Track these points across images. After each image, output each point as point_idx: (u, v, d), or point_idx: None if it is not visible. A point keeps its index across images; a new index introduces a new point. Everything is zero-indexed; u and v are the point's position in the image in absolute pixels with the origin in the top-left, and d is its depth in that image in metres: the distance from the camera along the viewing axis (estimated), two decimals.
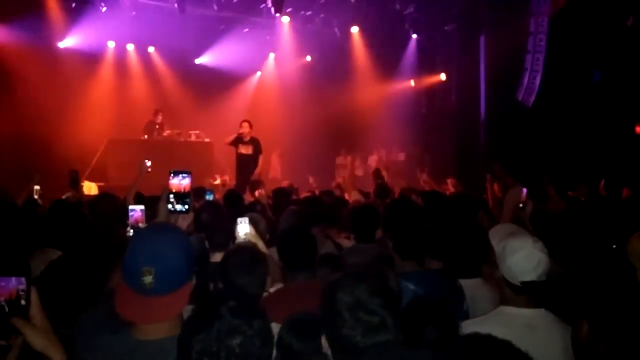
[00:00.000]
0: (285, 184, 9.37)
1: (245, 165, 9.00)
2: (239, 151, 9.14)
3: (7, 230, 3.87)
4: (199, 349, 1.32)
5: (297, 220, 3.89)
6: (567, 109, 9.84)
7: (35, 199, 5.46)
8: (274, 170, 12.52)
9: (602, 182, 6.66)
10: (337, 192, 6.88)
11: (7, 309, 1.40)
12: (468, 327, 2.10)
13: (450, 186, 7.51)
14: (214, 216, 3.44)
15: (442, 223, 3.28)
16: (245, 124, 9.12)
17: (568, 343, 1.97)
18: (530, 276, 2.11)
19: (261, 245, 3.10)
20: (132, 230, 2.43)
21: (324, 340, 1.59)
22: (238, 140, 9.09)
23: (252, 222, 3.15)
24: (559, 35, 10.22)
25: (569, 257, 2.87)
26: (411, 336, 1.96)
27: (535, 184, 6.14)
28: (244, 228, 3.03)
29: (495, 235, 2.28)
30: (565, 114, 9.89)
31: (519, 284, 2.13)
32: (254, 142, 9.14)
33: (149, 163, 4.98)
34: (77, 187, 6.00)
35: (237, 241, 3.01)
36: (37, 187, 5.56)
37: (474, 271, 2.83)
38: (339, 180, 11.50)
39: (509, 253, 2.16)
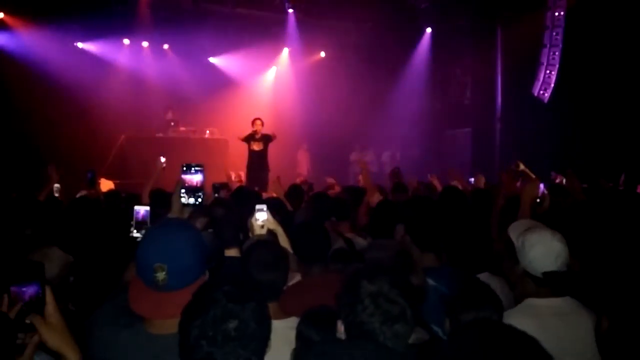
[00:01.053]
0: (299, 180, 9.42)
1: (257, 162, 9.30)
2: (251, 148, 9.40)
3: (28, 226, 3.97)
4: (197, 334, 1.36)
5: (308, 215, 3.90)
6: (584, 103, 9.75)
7: (56, 197, 5.55)
8: (300, 166, 12.51)
9: (622, 177, 6.61)
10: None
11: (25, 309, 1.46)
12: None
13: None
14: (226, 212, 3.50)
15: (460, 217, 3.36)
16: (258, 121, 9.35)
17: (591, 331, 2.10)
18: (551, 267, 2.17)
19: (280, 232, 3.08)
20: (135, 230, 2.43)
21: (339, 325, 1.61)
22: (250, 137, 9.34)
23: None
24: (575, 29, 10.11)
25: (586, 251, 2.87)
26: (459, 315, 1.97)
27: (553, 179, 6.11)
28: (262, 215, 3.00)
29: (514, 231, 2.34)
30: (582, 108, 9.79)
31: (540, 276, 2.18)
32: (265, 139, 9.36)
33: (163, 160, 5.07)
34: (95, 186, 6.12)
35: (255, 227, 2.98)
36: (57, 185, 5.64)
37: (481, 265, 2.80)
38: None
39: (528, 247, 2.22)
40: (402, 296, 1.54)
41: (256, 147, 9.37)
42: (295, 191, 5.58)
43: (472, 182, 7.21)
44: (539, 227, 2.33)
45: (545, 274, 2.17)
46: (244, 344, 1.37)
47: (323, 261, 2.83)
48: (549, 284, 2.19)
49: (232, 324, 1.36)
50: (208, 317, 1.37)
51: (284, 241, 3.01)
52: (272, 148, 10.06)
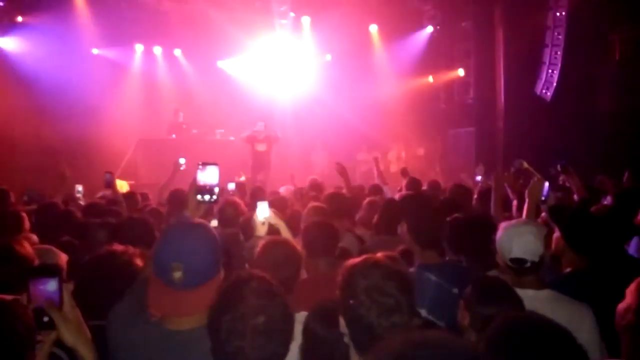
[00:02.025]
0: (308, 181, 9.61)
1: (260, 163, 9.47)
2: (254, 149, 9.59)
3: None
4: (227, 328, 1.42)
5: (317, 214, 3.92)
6: (586, 102, 9.88)
7: (79, 197, 5.64)
8: (315, 167, 12.59)
9: (626, 174, 6.65)
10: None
11: (43, 307, 1.48)
12: None
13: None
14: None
15: (464, 216, 3.34)
16: (262, 123, 9.56)
17: (572, 323, 2.07)
18: (516, 253, 2.31)
19: (283, 226, 3.09)
20: None
21: (341, 321, 1.62)
22: (253, 139, 9.55)
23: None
24: (577, 28, 10.24)
25: (592, 248, 2.86)
26: (479, 309, 1.98)
27: (556, 176, 6.17)
28: (263, 212, 3.01)
29: (502, 225, 2.51)
30: (585, 106, 9.92)
31: (509, 263, 2.34)
32: (269, 140, 9.59)
33: (183, 161, 5.27)
34: (113, 187, 6.34)
35: (256, 224, 3.00)
36: (79, 186, 5.71)
37: (489, 263, 2.76)
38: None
39: (500, 234, 2.41)
40: (396, 288, 1.54)
41: (260, 148, 9.57)
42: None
43: (479, 180, 7.33)
44: (516, 219, 2.53)
45: (512, 260, 2.32)
46: (272, 338, 1.43)
47: (331, 255, 2.92)
48: (515, 271, 2.32)
49: (261, 319, 1.42)
50: (237, 313, 1.42)
51: (286, 234, 3.03)
52: (284, 150, 10.24)
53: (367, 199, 4.91)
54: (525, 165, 5.64)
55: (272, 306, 1.46)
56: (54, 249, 3.10)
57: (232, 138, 11.56)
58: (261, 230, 3.00)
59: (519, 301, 2.01)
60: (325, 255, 2.90)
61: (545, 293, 2.31)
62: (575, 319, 2.15)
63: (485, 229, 3.00)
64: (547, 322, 1.41)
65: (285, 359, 1.52)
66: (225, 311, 1.44)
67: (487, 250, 2.81)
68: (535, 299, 2.21)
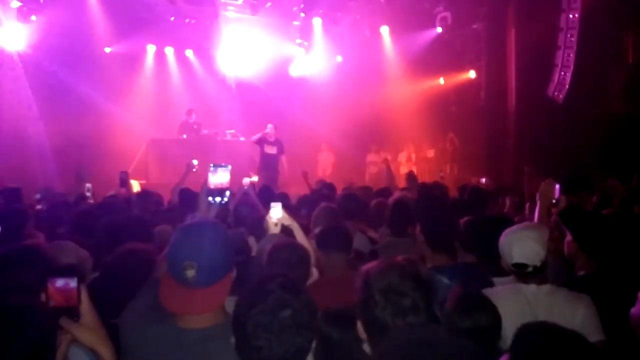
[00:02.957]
0: (315, 181, 9.66)
1: (270, 165, 9.58)
2: (264, 151, 9.69)
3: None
4: (254, 322, 1.44)
5: (328, 215, 3.94)
6: (599, 104, 9.80)
7: (87, 196, 5.77)
8: (322, 169, 12.68)
9: (635, 178, 6.64)
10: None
11: (63, 307, 1.50)
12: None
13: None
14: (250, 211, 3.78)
15: (479, 218, 3.32)
16: (271, 126, 9.66)
17: (567, 309, 2.25)
18: (517, 259, 2.36)
19: (296, 227, 3.10)
20: None
21: (359, 326, 1.62)
22: (263, 141, 9.65)
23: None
24: (589, 31, 10.18)
25: (602, 252, 2.86)
26: (457, 323, 2.03)
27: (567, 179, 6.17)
28: (277, 212, 3.03)
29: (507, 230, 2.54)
30: (597, 109, 9.84)
31: (512, 267, 2.39)
32: (279, 143, 9.68)
33: (195, 162, 5.30)
34: (127, 186, 6.43)
35: (269, 225, 3.03)
36: (88, 185, 5.82)
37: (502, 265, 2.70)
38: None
39: (502, 239, 2.45)
40: (413, 288, 1.54)
41: (269, 150, 9.68)
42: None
43: (484, 182, 7.38)
44: (520, 224, 2.56)
45: (514, 265, 2.38)
46: (298, 332, 1.45)
47: (344, 251, 2.96)
48: (520, 275, 2.39)
49: (288, 312, 1.45)
50: (266, 306, 1.45)
51: (299, 236, 3.05)
52: (293, 150, 10.28)
53: (375, 201, 4.93)
54: (530, 170, 5.61)
55: (298, 300, 1.48)
56: (75, 244, 3.13)
57: (242, 139, 11.62)
58: (274, 231, 3.02)
59: (496, 314, 2.07)
60: (340, 252, 2.93)
61: (546, 288, 2.38)
62: (570, 305, 2.31)
63: (498, 231, 2.93)
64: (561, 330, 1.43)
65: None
66: (253, 304, 1.46)
67: (498, 253, 2.71)
68: (537, 293, 2.35)
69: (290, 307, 1.46)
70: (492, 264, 2.77)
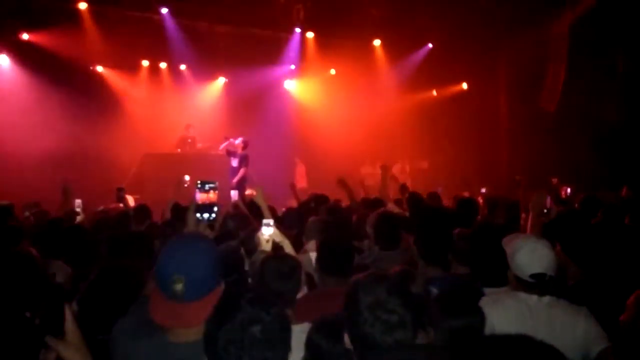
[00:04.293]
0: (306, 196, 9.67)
1: (233, 177, 9.84)
2: (231, 164, 10.10)
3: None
4: (225, 339, 1.43)
5: (321, 230, 3.94)
6: (590, 114, 9.87)
7: (78, 212, 5.63)
8: (299, 181, 12.68)
9: (624, 189, 6.69)
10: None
11: (45, 325, 1.51)
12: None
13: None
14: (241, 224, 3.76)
15: (471, 229, 3.31)
16: (240, 142, 10.11)
17: (567, 322, 2.23)
18: (537, 269, 2.32)
19: (287, 244, 3.15)
20: None
21: (346, 338, 1.62)
22: (230, 154, 10.10)
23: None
24: (580, 41, 10.28)
25: (590, 261, 2.92)
26: (447, 324, 2.02)
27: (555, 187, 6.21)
28: (268, 230, 3.07)
29: (506, 241, 2.53)
30: (588, 119, 9.91)
31: (528, 279, 2.34)
32: (242, 157, 10.06)
33: (187, 178, 5.29)
34: (124, 201, 6.40)
35: (261, 241, 3.06)
36: (78, 201, 5.71)
37: (500, 279, 2.65)
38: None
39: (515, 250, 2.40)
40: (401, 304, 1.54)
41: (233, 163, 10.07)
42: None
43: (484, 192, 7.34)
44: (525, 235, 2.55)
45: (532, 276, 2.32)
46: (269, 346, 1.45)
47: (343, 276, 2.83)
48: (537, 287, 2.34)
49: (258, 327, 1.44)
50: (235, 323, 1.44)
51: (290, 252, 3.05)
52: (283, 162, 10.26)
53: (356, 215, 4.93)
54: (518, 178, 5.64)
55: (269, 314, 1.47)
56: (62, 263, 3.15)
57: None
58: (266, 247, 3.05)
59: (481, 314, 2.07)
60: (338, 276, 2.87)
61: (547, 299, 2.36)
62: (570, 317, 2.29)
63: (490, 242, 2.92)
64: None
65: None
66: (223, 321, 1.46)
67: (493, 263, 2.73)
68: (538, 304, 2.32)
69: (259, 323, 1.45)
70: (485, 275, 2.76)
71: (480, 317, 2.08)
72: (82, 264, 3.30)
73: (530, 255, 2.36)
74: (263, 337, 1.44)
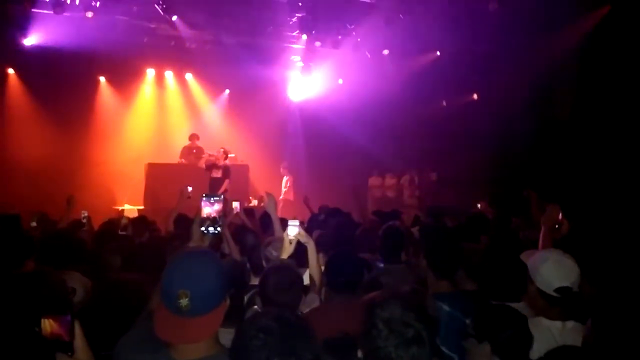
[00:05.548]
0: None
1: (216, 188, 9.82)
2: (211, 175, 10.19)
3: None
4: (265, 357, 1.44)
5: (326, 244, 3.92)
6: (604, 121, 9.71)
7: (83, 223, 5.73)
8: (286, 193, 12.37)
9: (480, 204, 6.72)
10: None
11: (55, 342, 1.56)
12: None
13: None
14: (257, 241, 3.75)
15: (483, 245, 3.34)
16: (222, 153, 10.25)
17: None
18: (563, 282, 2.24)
19: (311, 246, 3.17)
20: None
21: (360, 354, 1.63)
22: (212, 166, 10.22)
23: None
24: (592, 49, 10.16)
25: (603, 277, 2.88)
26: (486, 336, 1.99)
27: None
28: (294, 230, 3.08)
29: (526, 254, 2.45)
30: (603, 126, 9.75)
31: (553, 293, 2.24)
32: (225, 168, 10.18)
33: (190, 189, 5.18)
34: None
35: (285, 242, 3.08)
36: (84, 212, 5.85)
37: (515, 295, 2.58)
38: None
39: (540, 263, 2.30)
40: (416, 320, 1.55)
41: (215, 174, 10.17)
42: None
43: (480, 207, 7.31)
44: (548, 250, 2.46)
45: (558, 289, 2.23)
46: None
47: (351, 293, 2.82)
48: (561, 301, 2.24)
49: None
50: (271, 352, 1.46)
51: (312, 255, 3.13)
52: (295, 175, 10.08)
53: (361, 228, 4.95)
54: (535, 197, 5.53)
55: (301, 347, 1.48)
56: (80, 275, 3.11)
57: (242, 162, 11.53)
58: (289, 249, 3.08)
59: (526, 323, 2.03)
60: (346, 293, 2.84)
61: (570, 324, 2.28)
62: None
63: (506, 257, 2.86)
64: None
65: None
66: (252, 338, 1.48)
67: (508, 278, 2.67)
68: (563, 330, 2.24)
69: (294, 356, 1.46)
70: (499, 290, 2.65)
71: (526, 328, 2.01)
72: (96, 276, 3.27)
73: (556, 267, 2.28)
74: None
